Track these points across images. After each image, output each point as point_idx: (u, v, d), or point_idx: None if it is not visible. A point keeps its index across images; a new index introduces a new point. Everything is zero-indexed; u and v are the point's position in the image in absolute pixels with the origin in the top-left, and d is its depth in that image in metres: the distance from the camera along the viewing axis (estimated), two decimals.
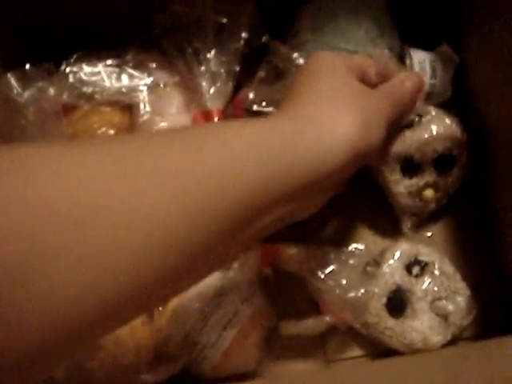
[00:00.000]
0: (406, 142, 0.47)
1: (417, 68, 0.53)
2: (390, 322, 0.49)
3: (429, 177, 0.50)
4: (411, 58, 0.53)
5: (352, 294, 0.48)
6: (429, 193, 0.50)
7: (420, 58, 0.53)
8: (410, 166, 0.49)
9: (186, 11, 0.51)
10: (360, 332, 0.50)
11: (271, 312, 0.51)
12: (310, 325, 0.50)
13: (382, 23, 0.52)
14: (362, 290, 0.48)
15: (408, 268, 0.50)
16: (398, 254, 0.49)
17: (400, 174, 0.49)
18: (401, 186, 0.49)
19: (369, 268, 0.49)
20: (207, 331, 0.48)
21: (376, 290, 0.49)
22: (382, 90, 0.40)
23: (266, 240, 0.50)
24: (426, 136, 0.47)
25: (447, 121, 0.48)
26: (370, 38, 0.51)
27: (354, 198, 0.54)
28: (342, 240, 0.53)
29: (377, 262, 0.50)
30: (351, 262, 0.49)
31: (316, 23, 0.52)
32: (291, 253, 0.50)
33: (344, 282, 0.48)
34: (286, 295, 0.53)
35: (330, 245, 0.50)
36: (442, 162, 0.49)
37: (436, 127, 0.48)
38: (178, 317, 0.48)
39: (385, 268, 0.49)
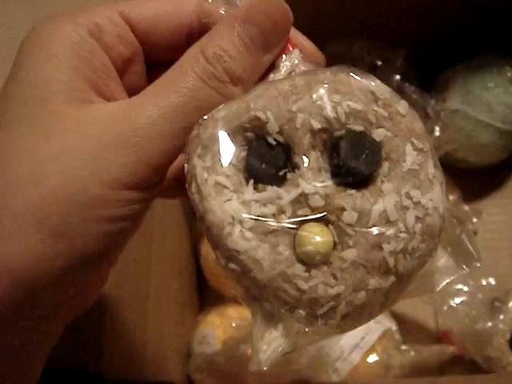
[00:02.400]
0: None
1: None
2: None
3: (309, 184, 0.22)
4: None
5: (480, 326, 0.51)
6: (310, 232, 0.21)
7: None
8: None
9: (343, 52, 0.56)
10: (480, 366, 0.53)
11: (398, 335, 0.54)
12: (434, 352, 0.53)
13: None
14: (490, 323, 0.51)
15: None
16: None
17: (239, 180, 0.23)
18: (234, 202, 0.22)
19: (497, 303, 0.52)
20: (340, 347, 0.51)
21: (501, 326, 0.51)
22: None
23: None
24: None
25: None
26: None
27: None
28: (474, 271, 0.56)
29: (504, 298, 0.52)
30: (480, 295, 0.52)
31: (466, 91, 0.55)
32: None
33: (474, 312, 0.51)
34: (412, 321, 0.56)
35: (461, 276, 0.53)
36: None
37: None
38: None
39: (511, 305, 0.52)
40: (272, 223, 0.20)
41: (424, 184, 0.21)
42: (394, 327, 0.53)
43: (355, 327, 0.22)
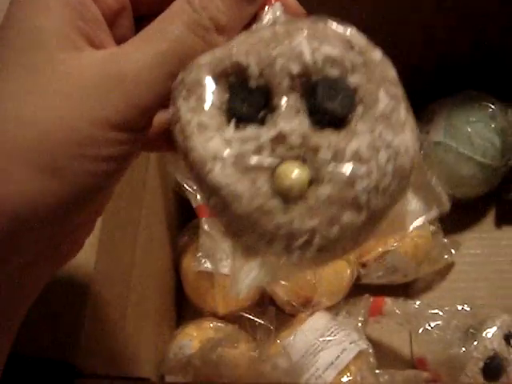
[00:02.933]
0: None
1: None
2: None
3: (287, 124, 0.22)
4: None
5: (454, 351, 0.52)
6: (288, 169, 0.21)
7: None
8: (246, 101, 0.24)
9: None
10: None
11: (372, 357, 0.54)
12: (408, 377, 0.53)
13: (508, 138, 0.58)
14: (464, 350, 0.52)
15: (507, 338, 0.53)
16: (498, 323, 0.53)
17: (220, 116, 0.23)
18: (216, 140, 0.22)
19: (471, 330, 0.53)
20: (315, 363, 0.51)
21: (475, 354, 0.52)
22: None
23: (376, 293, 0.55)
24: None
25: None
26: (497, 150, 0.57)
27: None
28: (450, 300, 0.57)
29: (479, 326, 0.53)
30: (456, 321, 0.53)
31: (449, 125, 0.58)
32: (398, 306, 0.54)
33: (449, 337, 0.52)
34: (387, 347, 0.56)
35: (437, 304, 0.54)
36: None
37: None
38: (288, 347, 0.52)
39: (485, 333, 0.53)
40: (251, 159, 0.22)
41: (396, 127, 0.22)
42: (370, 349, 0.53)
43: (329, 261, 0.23)
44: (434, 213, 0.26)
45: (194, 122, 0.22)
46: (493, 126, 0.57)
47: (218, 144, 0.22)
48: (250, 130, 0.22)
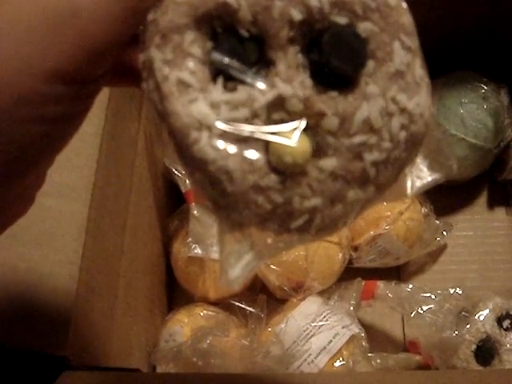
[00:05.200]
0: None
1: None
2: (478, 369, 0.51)
3: (286, 85, 0.19)
4: None
5: (446, 334, 0.51)
6: (287, 140, 0.19)
7: None
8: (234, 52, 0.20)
9: None
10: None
11: (365, 341, 0.54)
12: (400, 360, 0.53)
13: (500, 119, 0.57)
14: (456, 333, 0.51)
15: (499, 320, 0.53)
16: (491, 306, 0.53)
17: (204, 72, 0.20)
18: (200, 103, 0.19)
19: (464, 313, 0.53)
20: (307, 349, 0.51)
21: (467, 337, 0.52)
22: None
23: (368, 277, 0.54)
24: None
25: None
26: (490, 131, 0.56)
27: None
28: (442, 283, 0.56)
29: (471, 309, 0.53)
30: (448, 304, 0.53)
31: (442, 105, 0.57)
32: (390, 289, 0.54)
33: (441, 320, 0.52)
34: (380, 330, 0.56)
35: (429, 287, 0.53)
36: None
37: None
38: (280, 333, 0.52)
39: (477, 316, 0.52)
40: (244, 129, 0.18)
41: (411, 87, 0.19)
42: (362, 333, 0.53)
43: (328, 236, 0.21)
44: (438, 176, 0.23)
45: (172, 79, 0.18)
46: (485, 107, 0.56)
47: (203, 108, 0.18)
48: (242, 91, 0.18)
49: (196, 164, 0.19)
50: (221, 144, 0.18)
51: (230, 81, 0.19)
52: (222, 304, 0.54)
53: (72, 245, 0.40)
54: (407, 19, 0.19)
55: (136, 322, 0.49)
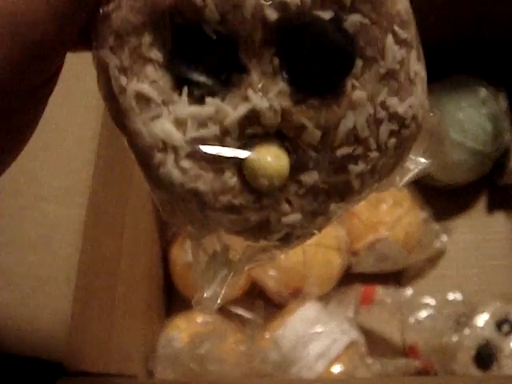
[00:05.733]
0: None
1: None
2: (477, 374, 0.51)
3: (260, 97, 0.17)
4: None
5: (445, 339, 0.51)
6: (263, 158, 0.17)
7: None
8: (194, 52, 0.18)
9: None
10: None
11: (364, 347, 0.53)
12: (399, 366, 0.53)
13: (499, 123, 0.57)
14: (455, 338, 0.51)
15: (498, 325, 0.53)
16: (490, 311, 0.53)
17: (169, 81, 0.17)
18: (164, 120, 0.17)
19: (463, 318, 0.53)
20: (306, 355, 0.51)
21: (466, 342, 0.52)
22: None
23: (367, 282, 0.54)
24: None
25: None
26: (489, 136, 0.56)
27: None
28: (441, 287, 0.56)
29: (470, 314, 0.53)
30: (447, 309, 0.52)
31: (438, 107, 0.56)
32: (389, 294, 0.54)
33: (440, 326, 0.51)
34: (379, 335, 0.56)
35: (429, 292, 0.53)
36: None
37: None
38: (278, 339, 0.51)
39: (476, 321, 0.52)
40: (214, 148, 0.16)
41: (403, 87, 0.17)
42: (361, 339, 0.53)
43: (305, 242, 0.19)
44: (427, 165, 0.20)
45: (130, 92, 0.16)
46: (484, 111, 0.56)
47: (167, 126, 0.16)
48: (210, 105, 0.16)
49: (162, 185, 0.17)
50: (188, 165, 0.16)
51: (196, 89, 0.16)
52: (220, 309, 0.54)
53: (69, 249, 0.40)
54: (403, 5, 0.16)
55: (134, 328, 0.49)
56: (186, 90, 0.16)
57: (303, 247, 0.53)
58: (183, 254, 0.55)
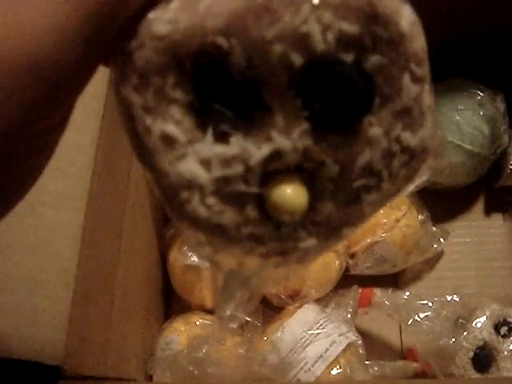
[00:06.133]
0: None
1: None
2: (475, 376, 0.51)
3: (284, 137, 0.17)
4: None
5: (444, 341, 0.51)
6: (284, 194, 0.17)
7: None
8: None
9: None
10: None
11: (362, 349, 0.53)
12: (397, 368, 0.53)
13: (497, 125, 0.57)
14: (453, 340, 0.51)
15: (496, 327, 0.53)
16: (488, 312, 0.53)
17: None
18: (189, 160, 0.17)
19: (461, 320, 0.53)
20: (304, 357, 0.51)
21: (464, 344, 0.52)
22: None
23: (365, 284, 0.54)
24: None
25: None
26: (486, 138, 0.56)
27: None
28: (439, 290, 0.56)
29: (468, 316, 0.53)
30: (445, 311, 0.53)
31: (438, 112, 0.56)
32: (387, 296, 0.54)
33: (438, 328, 0.51)
34: (377, 337, 0.56)
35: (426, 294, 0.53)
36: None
37: None
38: (276, 342, 0.51)
39: (475, 323, 0.52)
40: (239, 186, 0.17)
41: (416, 121, 0.17)
42: (359, 341, 0.53)
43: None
44: (426, 177, 0.21)
45: (156, 133, 0.16)
46: (481, 113, 0.56)
47: (192, 167, 0.16)
48: (235, 145, 0.16)
49: (187, 220, 0.17)
50: (213, 202, 0.17)
51: (220, 127, 0.16)
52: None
53: (67, 253, 0.40)
54: (420, 44, 0.17)
55: (132, 331, 0.49)
56: (210, 129, 0.16)
57: None
58: (182, 257, 0.55)
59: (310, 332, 0.52)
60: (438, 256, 0.60)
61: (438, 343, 0.52)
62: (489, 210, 0.62)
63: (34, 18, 0.14)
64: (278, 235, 0.18)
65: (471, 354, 0.51)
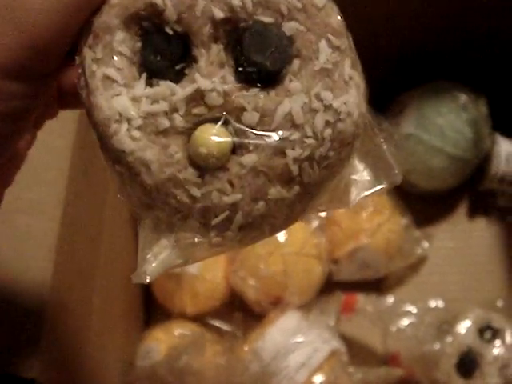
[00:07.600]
0: None
1: (503, 157, 0.57)
2: (460, 382, 0.51)
3: (206, 80, 0.20)
4: (499, 146, 0.57)
5: (427, 348, 0.51)
6: (206, 134, 0.19)
7: (509, 149, 0.57)
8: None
9: None
10: None
11: (345, 356, 0.53)
12: (381, 374, 0.52)
13: (480, 129, 0.57)
14: (437, 346, 0.51)
15: (480, 332, 0.52)
16: (472, 318, 0.52)
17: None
18: (122, 97, 0.20)
19: (445, 326, 0.52)
20: (287, 365, 0.50)
21: (448, 349, 0.51)
22: None
23: (348, 290, 0.54)
24: None
25: None
26: (469, 142, 0.56)
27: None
28: (423, 294, 0.56)
29: (452, 321, 0.52)
30: (429, 317, 0.52)
31: (421, 116, 0.56)
32: (370, 302, 0.53)
33: (422, 334, 0.51)
34: (360, 343, 0.55)
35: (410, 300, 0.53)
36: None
37: None
38: (258, 350, 0.51)
39: (459, 329, 0.52)
40: (163, 122, 0.19)
41: (338, 85, 0.19)
42: (342, 348, 0.52)
43: (256, 241, 0.21)
44: (384, 186, 0.22)
45: (98, 75, 0.19)
46: (464, 117, 0.56)
47: (124, 102, 0.19)
48: (163, 87, 0.19)
49: (116, 155, 0.19)
50: (139, 135, 0.19)
51: (155, 77, 0.19)
52: (199, 321, 0.53)
53: (42, 263, 0.39)
54: (335, 20, 0.20)
55: (111, 340, 0.48)
56: (144, 75, 0.19)
57: (283, 256, 0.52)
58: None
59: (292, 339, 0.51)
60: (422, 260, 0.59)
61: (422, 349, 0.52)
62: (473, 214, 0.62)
63: None
64: (202, 182, 0.19)
65: (455, 360, 0.51)
